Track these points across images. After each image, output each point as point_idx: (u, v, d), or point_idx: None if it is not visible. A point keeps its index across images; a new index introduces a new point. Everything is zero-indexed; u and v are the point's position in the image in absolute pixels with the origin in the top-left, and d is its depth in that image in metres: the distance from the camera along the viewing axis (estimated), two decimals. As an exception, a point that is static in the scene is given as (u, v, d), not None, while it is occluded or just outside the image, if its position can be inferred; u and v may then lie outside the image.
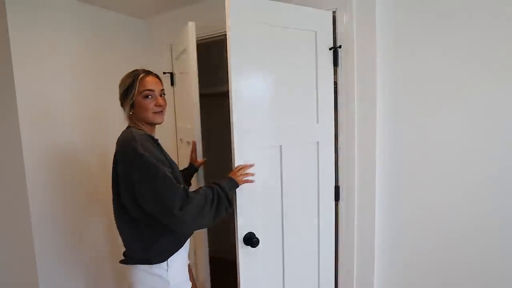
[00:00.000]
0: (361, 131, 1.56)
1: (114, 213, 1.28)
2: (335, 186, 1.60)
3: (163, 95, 1.32)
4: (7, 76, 1.62)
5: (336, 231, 1.64)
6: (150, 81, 1.27)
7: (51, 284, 1.76)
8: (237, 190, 1.30)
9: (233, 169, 1.32)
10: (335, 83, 1.57)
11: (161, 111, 1.30)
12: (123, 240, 1.30)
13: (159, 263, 1.24)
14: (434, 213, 1.47)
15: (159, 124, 1.33)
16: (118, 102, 1.34)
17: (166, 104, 1.32)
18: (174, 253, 1.28)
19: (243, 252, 1.36)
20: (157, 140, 1.27)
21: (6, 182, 1.74)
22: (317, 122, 1.52)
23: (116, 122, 1.63)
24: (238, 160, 1.32)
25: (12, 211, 1.74)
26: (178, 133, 2.18)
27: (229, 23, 1.25)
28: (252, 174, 1.33)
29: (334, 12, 1.53)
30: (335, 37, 1.53)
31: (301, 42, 1.46)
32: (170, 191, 1.11)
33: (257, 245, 1.34)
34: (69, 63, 1.87)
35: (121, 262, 1.30)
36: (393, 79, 1.51)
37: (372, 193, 1.56)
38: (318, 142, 1.53)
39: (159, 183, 1.11)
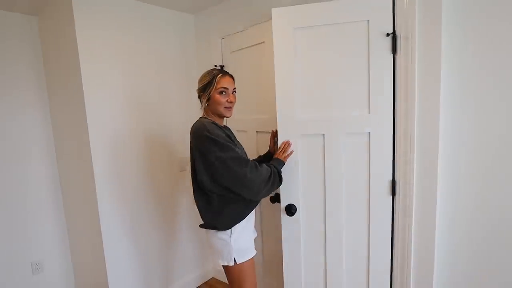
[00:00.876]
0: (422, 124, 1.42)
1: (193, 188, 1.57)
2: (392, 180, 1.53)
3: (234, 93, 1.57)
4: (76, 71, 1.86)
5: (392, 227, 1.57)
6: (226, 80, 1.52)
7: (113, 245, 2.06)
8: (282, 170, 1.58)
9: (276, 150, 1.63)
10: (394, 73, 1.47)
11: (231, 107, 1.55)
12: (198, 210, 1.58)
13: (224, 230, 1.51)
14: (498, 213, 1.32)
15: (228, 117, 1.59)
16: (168, 94, 1.99)
17: (235, 101, 1.58)
18: (236, 223, 1.51)
19: (284, 219, 1.67)
20: (224, 126, 1.59)
21: (77, 163, 2.08)
22: (369, 112, 1.51)
23: (167, 110, 2.30)
24: (280, 155, 1.61)
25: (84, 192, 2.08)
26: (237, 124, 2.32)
27: (273, 30, 1.53)
28: (292, 151, 1.59)
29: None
30: (394, 23, 1.43)
31: (351, 32, 1.48)
32: (242, 161, 1.40)
33: (295, 213, 1.64)
34: (127, 57, 2.07)
35: (200, 226, 1.60)
36: (459, 69, 1.32)
37: (433, 189, 1.43)
38: (369, 133, 1.52)
39: (232, 156, 1.39)
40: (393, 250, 1.58)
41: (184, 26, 2.44)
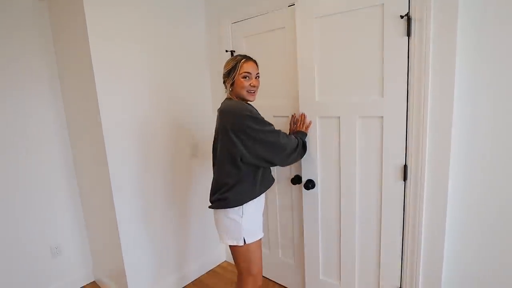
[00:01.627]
0: (436, 109, 1.39)
1: (214, 165, 1.63)
2: (404, 165, 1.52)
3: (257, 77, 1.58)
4: (85, 49, 1.79)
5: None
6: (249, 65, 1.54)
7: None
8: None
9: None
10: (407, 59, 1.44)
11: (254, 91, 1.57)
12: (214, 187, 1.61)
13: (235, 207, 1.52)
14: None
15: (251, 101, 1.59)
16: (177, 78, 1.99)
17: (259, 85, 1.59)
18: (248, 201, 1.53)
19: (305, 193, 1.90)
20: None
21: (90, 143, 2.04)
22: (382, 96, 1.52)
23: (177, 94, 2.22)
24: (301, 127, 1.80)
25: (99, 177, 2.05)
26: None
27: (296, 19, 1.72)
28: (310, 121, 1.77)
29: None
30: (409, 5, 1.37)
31: (366, 17, 1.51)
32: (275, 132, 1.53)
33: (314, 188, 1.83)
34: (140, 41, 2.00)
35: (209, 207, 1.61)
36: (475, 53, 1.27)
37: (445, 176, 1.42)
38: (382, 117, 1.54)
39: (270, 129, 1.51)
40: (404, 234, 1.60)
41: (194, 9, 2.34)
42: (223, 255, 2.72)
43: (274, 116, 2.04)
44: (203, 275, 2.52)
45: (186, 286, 2.39)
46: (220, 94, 2.30)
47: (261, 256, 1.66)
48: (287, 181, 2.06)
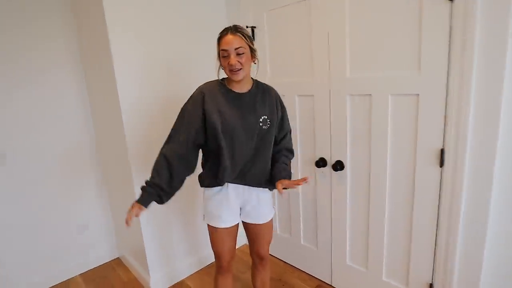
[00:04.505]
0: (481, 85, 1.21)
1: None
2: (441, 149, 1.36)
3: (240, 53, 1.27)
4: (102, 32, 1.77)
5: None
6: (225, 41, 1.28)
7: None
8: (331, 132, 1.70)
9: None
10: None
11: (236, 70, 1.28)
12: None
13: (201, 186, 1.47)
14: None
15: (237, 81, 1.33)
16: (196, 57, 1.89)
17: (240, 62, 1.28)
18: (207, 186, 1.44)
19: (334, 175, 1.81)
20: (232, 91, 1.36)
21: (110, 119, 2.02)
22: (419, 72, 1.35)
23: (197, 67, 2.10)
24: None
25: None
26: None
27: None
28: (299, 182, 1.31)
29: None
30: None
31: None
32: (175, 123, 1.38)
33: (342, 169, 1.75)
34: (160, 15, 1.93)
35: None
36: None
37: (490, 163, 1.24)
38: (418, 95, 1.38)
39: (178, 117, 1.39)
40: (438, 225, 1.44)
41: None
42: (243, 238, 2.53)
43: (298, 96, 1.91)
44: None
45: (204, 268, 2.36)
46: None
47: (224, 243, 1.47)
48: (311, 164, 1.94)
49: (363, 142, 1.64)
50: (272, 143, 1.44)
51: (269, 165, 1.46)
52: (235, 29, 1.29)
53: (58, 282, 2.28)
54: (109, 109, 2.00)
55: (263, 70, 2.05)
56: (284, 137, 1.50)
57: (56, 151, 2.16)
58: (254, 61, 1.36)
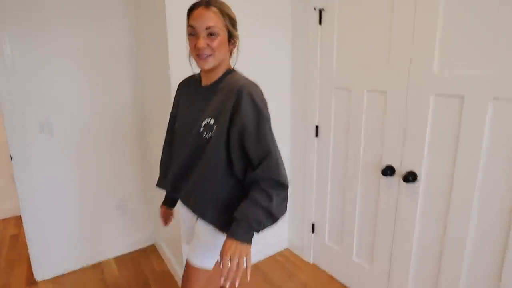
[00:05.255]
0: None
1: None
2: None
3: (213, 34, 0.98)
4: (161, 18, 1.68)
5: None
6: (195, 15, 0.99)
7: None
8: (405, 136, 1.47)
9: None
10: None
11: (204, 55, 0.99)
12: None
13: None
14: None
15: (205, 69, 1.04)
16: (259, 36, 1.72)
17: (210, 47, 0.99)
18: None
19: (402, 185, 1.55)
20: (200, 84, 1.14)
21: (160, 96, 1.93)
22: None
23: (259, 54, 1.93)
24: None
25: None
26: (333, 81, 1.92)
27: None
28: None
29: None
30: None
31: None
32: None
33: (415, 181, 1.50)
34: None
35: None
36: None
37: None
38: None
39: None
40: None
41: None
42: (285, 242, 2.45)
43: (367, 91, 1.68)
44: (261, 260, 2.29)
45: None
46: (302, 58, 2.04)
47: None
48: (375, 171, 1.71)
49: (446, 153, 1.38)
50: (221, 164, 1.04)
51: (217, 192, 1.07)
52: (211, 2, 0.99)
53: (92, 263, 2.26)
54: (159, 85, 1.92)
55: (327, 60, 1.84)
56: (260, 164, 0.99)
57: (102, 121, 2.15)
58: (231, 50, 1.08)
